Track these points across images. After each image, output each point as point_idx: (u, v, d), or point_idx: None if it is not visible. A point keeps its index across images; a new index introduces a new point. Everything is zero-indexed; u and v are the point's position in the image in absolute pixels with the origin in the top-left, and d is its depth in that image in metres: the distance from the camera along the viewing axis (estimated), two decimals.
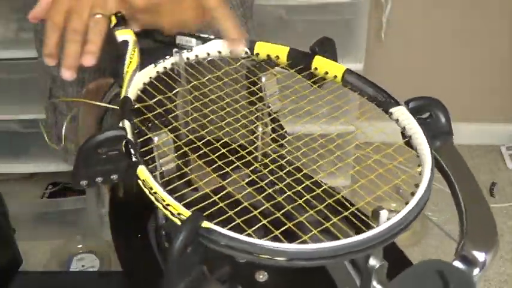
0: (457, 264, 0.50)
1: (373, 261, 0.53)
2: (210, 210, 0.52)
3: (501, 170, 2.02)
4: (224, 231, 0.48)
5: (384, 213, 0.50)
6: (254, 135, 0.71)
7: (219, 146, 0.61)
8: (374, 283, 0.54)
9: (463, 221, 0.54)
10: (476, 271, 0.50)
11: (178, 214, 0.50)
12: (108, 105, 0.66)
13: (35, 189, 1.89)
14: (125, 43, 0.69)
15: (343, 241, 0.48)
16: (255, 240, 0.48)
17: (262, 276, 0.68)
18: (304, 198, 0.56)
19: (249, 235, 0.48)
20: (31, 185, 1.91)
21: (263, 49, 0.71)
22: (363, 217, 0.53)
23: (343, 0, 1.62)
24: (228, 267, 0.66)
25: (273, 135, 0.69)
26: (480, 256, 0.50)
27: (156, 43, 0.74)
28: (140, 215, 0.75)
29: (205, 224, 0.49)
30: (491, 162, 2.05)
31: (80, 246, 1.75)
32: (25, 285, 1.17)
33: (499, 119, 2.08)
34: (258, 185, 0.58)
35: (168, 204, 0.51)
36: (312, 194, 0.57)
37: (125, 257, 0.74)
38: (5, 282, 1.14)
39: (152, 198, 0.52)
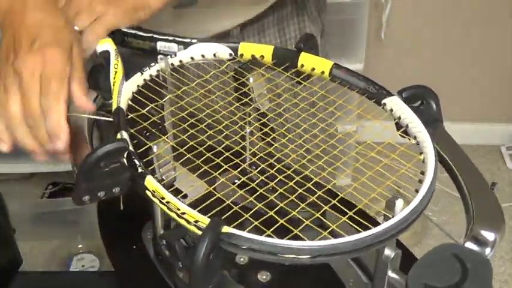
0: (469, 245, 0.51)
1: (387, 251, 0.54)
2: (226, 215, 0.51)
3: (501, 170, 2.02)
4: (246, 234, 0.48)
5: (399, 202, 0.51)
6: (254, 137, 0.71)
7: (222, 150, 0.61)
8: (389, 272, 0.55)
9: (469, 203, 0.56)
10: (487, 251, 0.51)
11: (196, 222, 0.49)
12: (102, 118, 0.64)
13: (35, 189, 1.88)
14: (106, 53, 0.68)
15: (364, 234, 0.48)
16: (278, 241, 0.47)
17: (265, 277, 0.68)
18: (315, 198, 0.56)
19: (268, 236, 0.48)
20: (31, 185, 1.91)
21: (247, 50, 0.70)
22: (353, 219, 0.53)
23: (343, 0, 1.62)
24: (231, 269, 0.66)
25: (274, 134, 0.68)
26: (490, 236, 0.52)
27: (135, 51, 0.72)
28: (133, 225, 0.74)
29: (226, 229, 0.48)
30: (491, 162, 2.05)
31: (80, 246, 1.75)
32: (25, 285, 1.16)
33: (499, 119, 2.08)
34: (269, 185, 0.58)
35: (183, 213, 0.50)
36: (317, 192, 0.57)
37: (122, 267, 0.73)
38: (5, 282, 1.14)
39: (164, 208, 0.51)
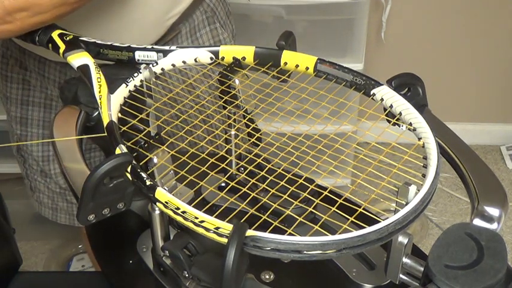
0: (478, 222, 0.53)
1: (401, 238, 0.54)
2: (244, 218, 0.51)
3: (501, 170, 2.02)
4: (270, 235, 0.48)
5: (412, 188, 0.52)
6: (255, 138, 0.71)
7: (225, 154, 0.60)
8: (404, 258, 0.55)
9: (470, 183, 0.57)
10: (495, 226, 0.53)
11: (217, 228, 0.49)
12: (95, 135, 0.63)
13: None
14: (85, 67, 0.66)
15: (386, 222, 0.49)
16: (303, 239, 0.47)
17: (268, 276, 0.68)
18: (321, 197, 0.56)
19: (290, 235, 0.48)
20: None
21: (228, 52, 0.70)
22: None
23: (343, 0, 1.62)
24: None
25: (273, 134, 0.68)
26: (495, 212, 0.54)
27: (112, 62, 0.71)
28: (125, 241, 0.74)
29: (249, 232, 0.48)
30: (491, 162, 2.05)
31: (80, 246, 1.75)
32: (25, 285, 1.16)
33: (499, 119, 2.08)
34: (278, 185, 0.58)
35: (202, 221, 0.50)
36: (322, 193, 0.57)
37: (123, 284, 0.72)
38: (5, 282, 1.14)
39: (179, 218, 0.51)
